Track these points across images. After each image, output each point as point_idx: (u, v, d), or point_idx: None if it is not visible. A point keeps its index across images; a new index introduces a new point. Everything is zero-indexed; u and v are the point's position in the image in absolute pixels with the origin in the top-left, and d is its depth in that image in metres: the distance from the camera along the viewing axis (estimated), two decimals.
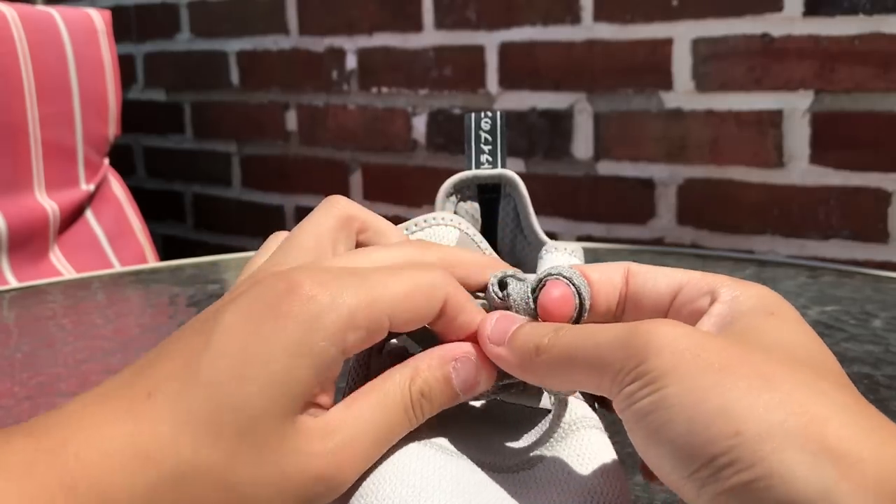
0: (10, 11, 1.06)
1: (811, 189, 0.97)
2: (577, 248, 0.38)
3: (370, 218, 0.32)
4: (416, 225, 0.36)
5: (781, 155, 0.98)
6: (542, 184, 1.13)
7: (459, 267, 0.30)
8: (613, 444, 0.41)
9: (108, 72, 1.21)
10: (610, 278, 0.29)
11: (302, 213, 1.40)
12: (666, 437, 0.23)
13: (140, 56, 1.57)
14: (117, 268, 1.18)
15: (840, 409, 0.22)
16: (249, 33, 1.41)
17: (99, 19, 1.20)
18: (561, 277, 0.28)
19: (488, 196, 0.42)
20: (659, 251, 0.90)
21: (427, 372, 0.27)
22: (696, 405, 0.22)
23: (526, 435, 0.30)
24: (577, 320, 0.28)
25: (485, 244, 0.36)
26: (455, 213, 0.42)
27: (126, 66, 1.47)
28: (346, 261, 0.29)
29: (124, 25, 1.53)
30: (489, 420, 0.30)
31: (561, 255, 0.36)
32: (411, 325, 0.27)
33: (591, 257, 0.86)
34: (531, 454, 0.28)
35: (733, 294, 0.27)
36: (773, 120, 0.98)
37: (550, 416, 0.29)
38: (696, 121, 1.03)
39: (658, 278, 0.29)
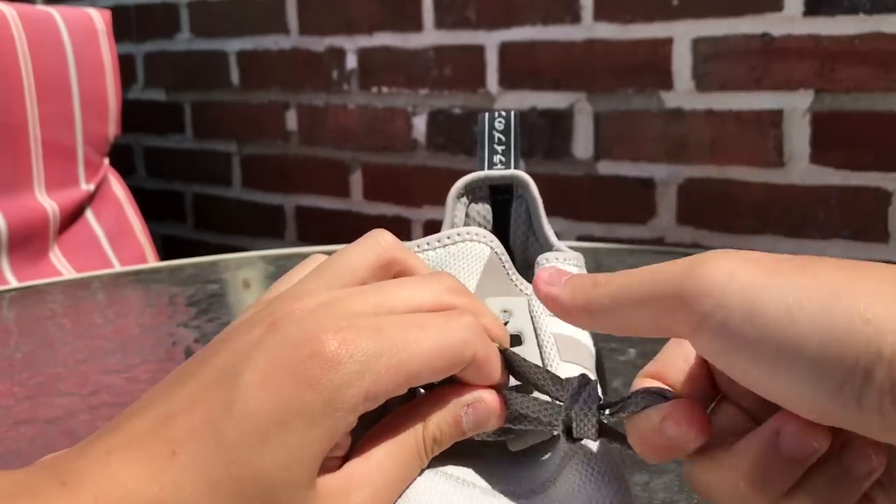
0: (10, 11, 1.06)
1: (811, 189, 0.97)
2: (576, 256, 0.37)
3: (411, 262, 0.31)
4: (448, 238, 0.34)
5: (781, 155, 0.98)
6: (542, 184, 1.13)
7: (486, 317, 0.29)
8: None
9: (108, 71, 1.21)
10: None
11: (302, 212, 1.40)
12: (791, 349, 0.20)
13: (140, 56, 1.57)
14: (117, 268, 1.18)
15: None
16: (249, 33, 1.41)
17: (99, 19, 1.20)
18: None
19: (500, 197, 0.42)
20: (659, 251, 0.90)
21: (440, 417, 0.27)
22: (808, 302, 0.20)
23: (535, 459, 0.29)
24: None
25: (511, 267, 0.35)
26: (467, 214, 0.41)
27: (126, 65, 1.47)
28: (372, 300, 0.27)
29: (124, 25, 1.53)
30: (497, 446, 0.30)
31: (556, 266, 0.35)
32: (437, 380, 0.28)
33: (591, 257, 0.86)
34: (543, 478, 0.28)
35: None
36: (774, 120, 0.98)
37: (560, 439, 0.29)
38: (696, 120, 1.03)
39: None
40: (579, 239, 1.12)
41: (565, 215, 1.13)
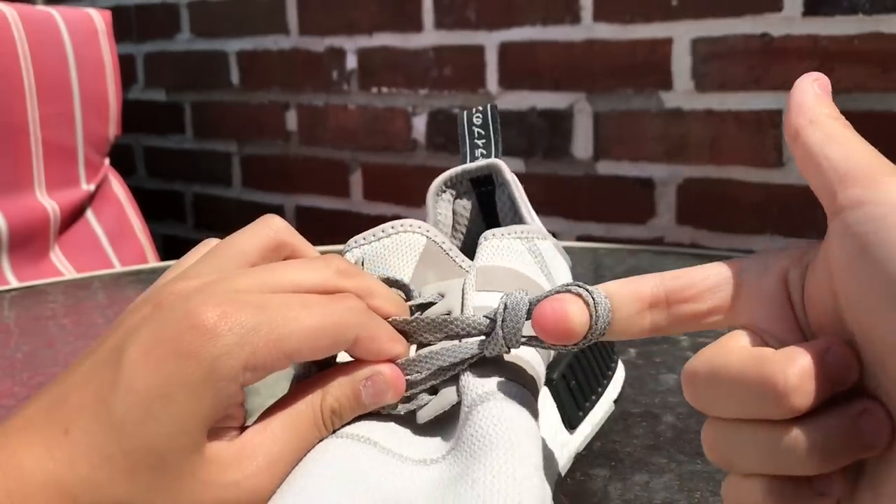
0: (10, 11, 1.06)
1: (811, 189, 0.97)
2: (534, 230, 0.36)
3: (302, 247, 0.32)
4: (382, 231, 0.35)
5: (781, 155, 0.98)
6: (541, 184, 1.13)
7: (377, 298, 0.30)
8: (613, 444, 0.41)
9: (109, 72, 1.21)
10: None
11: (302, 212, 1.40)
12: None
13: (140, 56, 1.57)
14: (118, 268, 1.18)
15: None
16: (249, 33, 1.41)
17: (99, 19, 1.20)
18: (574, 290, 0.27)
19: (484, 189, 0.42)
20: (659, 251, 0.90)
21: (338, 390, 0.28)
22: None
23: (441, 429, 0.29)
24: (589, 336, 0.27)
25: (454, 252, 0.35)
26: (454, 212, 0.42)
27: (126, 65, 1.47)
28: (258, 280, 0.28)
29: (124, 25, 1.54)
30: (406, 419, 0.30)
31: (493, 242, 0.35)
32: (318, 358, 0.28)
33: (591, 257, 0.86)
34: (447, 447, 0.28)
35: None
36: (773, 120, 0.98)
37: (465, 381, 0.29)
38: (695, 120, 1.03)
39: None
40: (579, 239, 1.12)
41: (565, 215, 1.13)
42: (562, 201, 1.13)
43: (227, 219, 1.50)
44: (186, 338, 0.25)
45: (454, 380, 0.29)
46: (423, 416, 0.29)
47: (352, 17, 1.28)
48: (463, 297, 0.32)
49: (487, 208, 0.42)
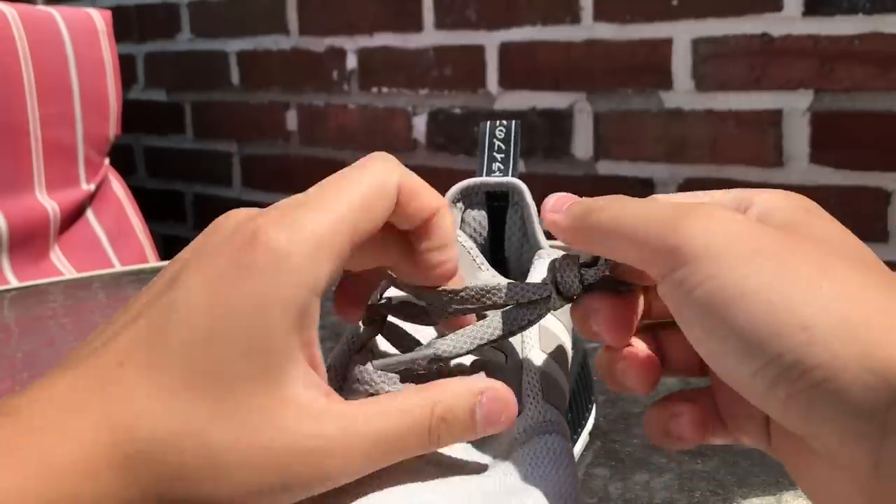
0: (10, 11, 1.06)
1: (811, 189, 0.97)
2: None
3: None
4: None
5: (781, 154, 0.98)
6: (542, 184, 1.13)
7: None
8: (613, 444, 0.41)
9: (109, 72, 1.21)
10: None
11: None
12: (728, 329, 0.21)
13: (141, 56, 1.57)
14: (118, 267, 1.18)
15: (888, 295, 0.21)
16: (250, 33, 1.41)
17: (99, 19, 1.20)
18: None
19: (497, 204, 0.42)
20: None
21: (452, 399, 0.25)
22: (758, 295, 0.21)
23: (492, 439, 0.29)
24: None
25: (480, 258, 0.35)
26: (463, 220, 0.42)
27: (127, 66, 1.47)
28: (308, 194, 0.26)
29: (125, 25, 1.54)
30: None
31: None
32: (374, 232, 0.26)
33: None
34: (494, 455, 0.28)
35: (766, 196, 0.26)
36: (773, 119, 0.98)
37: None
38: (695, 120, 1.03)
39: (680, 196, 0.28)
40: None
41: None
42: None
43: None
44: (245, 252, 0.23)
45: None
46: None
47: (352, 17, 1.28)
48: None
49: (494, 222, 0.42)
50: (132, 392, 0.22)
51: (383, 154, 0.27)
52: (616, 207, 0.25)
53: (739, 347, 0.21)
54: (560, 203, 0.27)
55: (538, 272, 0.35)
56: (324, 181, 0.26)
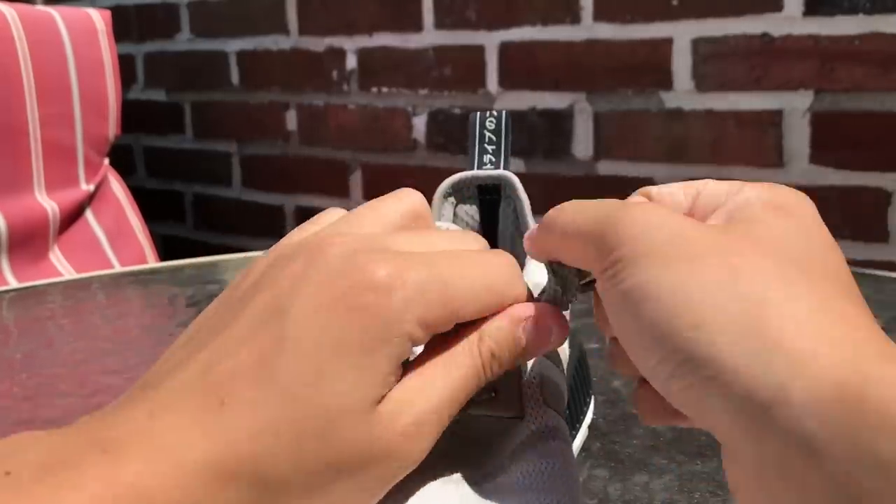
0: (10, 11, 1.06)
1: (811, 189, 0.97)
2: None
3: (431, 224, 0.30)
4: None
5: (781, 155, 0.98)
6: (542, 184, 1.13)
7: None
8: (613, 444, 0.41)
9: (109, 72, 1.21)
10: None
11: (302, 212, 1.40)
12: (637, 324, 0.23)
13: (140, 56, 1.57)
14: (117, 268, 1.18)
15: (804, 303, 0.21)
16: (250, 33, 1.41)
17: (99, 19, 1.20)
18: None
19: (489, 198, 0.42)
20: None
21: (496, 333, 0.26)
22: (665, 295, 0.22)
23: (489, 442, 0.29)
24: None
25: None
26: (455, 214, 0.41)
27: (126, 66, 1.47)
28: (416, 239, 0.27)
29: (124, 25, 1.53)
30: (459, 433, 0.30)
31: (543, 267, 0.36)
32: (481, 316, 0.26)
33: None
34: (494, 463, 0.28)
35: (749, 190, 0.26)
36: (773, 120, 0.98)
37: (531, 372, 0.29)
38: (696, 120, 1.03)
39: (674, 189, 0.28)
40: None
41: None
42: (562, 201, 1.13)
43: (227, 219, 1.50)
44: (359, 293, 0.23)
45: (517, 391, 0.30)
46: (477, 410, 0.29)
47: (352, 17, 1.28)
48: None
49: (487, 216, 0.42)
50: (236, 434, 0.22)
51: (505, 254, 0.28)
52: (569, 211, 0.27)
53: (644, 343, 0.23)
54: (535, 229, 0.29)
55: (527, 276, 0.35)
56: (439, 238, 0.28)
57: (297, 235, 0.28)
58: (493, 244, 0.42)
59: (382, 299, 0.24)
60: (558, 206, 0.28)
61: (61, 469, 0.21)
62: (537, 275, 0.34)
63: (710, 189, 0.27)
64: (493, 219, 0.42)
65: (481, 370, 0.26)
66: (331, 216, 0.29)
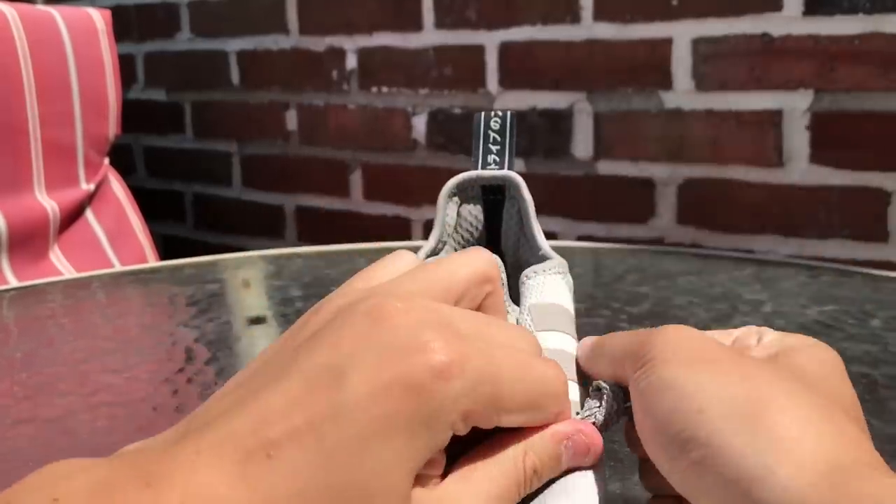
0: (10, 11, 1.06)
1: (811, 189, 0.97)
2: (556, 262, 0.37)
3: (499, 290, 0.30)
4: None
5: (781, 155, 0.98)
6: (542, 184, 1.13)
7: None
8: (613, 444, 0.41)
9: (109, 71, 1.21)
10: None
11: (302, 212, 1.40)
12: (652, 412, 0.26)
13: (140, 56, 1.57)
14: (117, 267, 1.18)
15: (805, 410, 0.24)
16: (250, 33, 1.41)
17: (99, 19, 1.20)
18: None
19: (492, 198, 0.41)
20: (659, 251, 0.90)
21: (541, 449, 0.27)
22: (679, 384, 0.25)
23: None
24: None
25: (504, 284, 0.35)
26: (459, 214, 0.41)
27: (126, 65, 1.47)
28: (474, 324, 0.27)
29: (125, 25, 1.54)
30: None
31: (538, 280, 0.36)
32: (518, 424, 0.27)
33: (591, 257, 0.86)
34: None
35: (782, 336, 0.30)
36: (773, 120, 0.98)
37: None
38: (695, 120, 1.03)
39: (712, 335, 0.31)
40: (579, 239, 1.12)
41: (565, 215, 1.13)
42: (562, 201, 1.13)
43: (227, 219, 1.50)
44: (418, 371, 0.24)
45: None
46: None
47: (352, 17, 1.28)
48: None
49: (491, 216, 0.42)
50: (277, 491, 0.23)
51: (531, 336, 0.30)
52: (613, 336, 0.31)
53: (655, 427, 0.26)
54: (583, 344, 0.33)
55: (525, 299, 0.35)
56: (501, 330, 0.28)
57: (364, 281, 0.29)
58: (497, 244, 0.42)
59: (438, 384, 0.24)
60: (596, 338, 0.32)
61: (107, 498, 0.21)
62: (536, 296, 0.34)
63: (741, 337, 0.31)
64: (496, 219, 0.42)
65: (522, 483, 0.27)
66: (402, 262, 0.30)
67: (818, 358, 0.28)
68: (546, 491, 0.27)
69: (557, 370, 0.28)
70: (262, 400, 0.24)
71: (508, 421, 0.26)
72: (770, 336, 0.30)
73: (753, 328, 0.31)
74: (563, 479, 0.27)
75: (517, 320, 0.33)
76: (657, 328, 0.29)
